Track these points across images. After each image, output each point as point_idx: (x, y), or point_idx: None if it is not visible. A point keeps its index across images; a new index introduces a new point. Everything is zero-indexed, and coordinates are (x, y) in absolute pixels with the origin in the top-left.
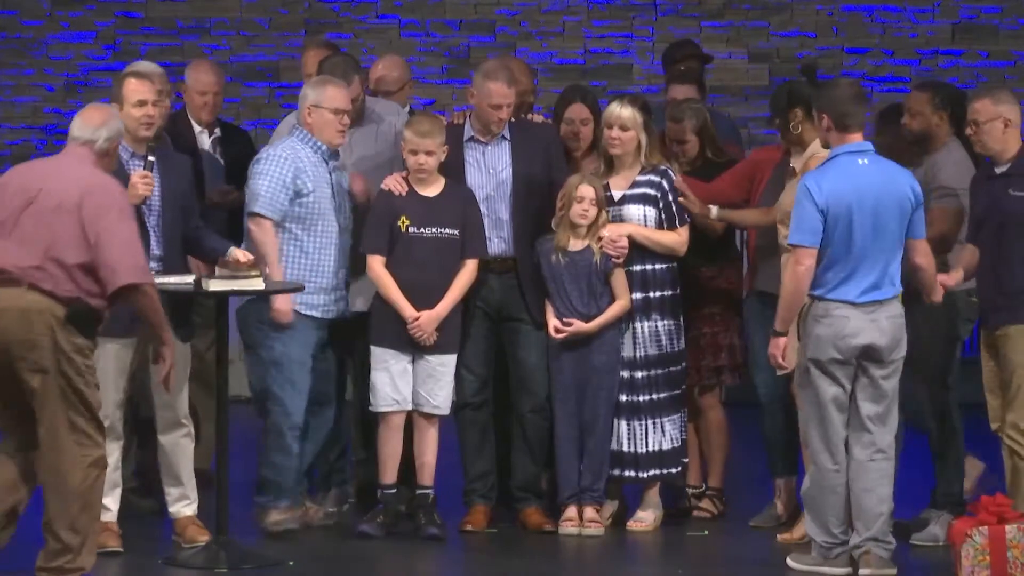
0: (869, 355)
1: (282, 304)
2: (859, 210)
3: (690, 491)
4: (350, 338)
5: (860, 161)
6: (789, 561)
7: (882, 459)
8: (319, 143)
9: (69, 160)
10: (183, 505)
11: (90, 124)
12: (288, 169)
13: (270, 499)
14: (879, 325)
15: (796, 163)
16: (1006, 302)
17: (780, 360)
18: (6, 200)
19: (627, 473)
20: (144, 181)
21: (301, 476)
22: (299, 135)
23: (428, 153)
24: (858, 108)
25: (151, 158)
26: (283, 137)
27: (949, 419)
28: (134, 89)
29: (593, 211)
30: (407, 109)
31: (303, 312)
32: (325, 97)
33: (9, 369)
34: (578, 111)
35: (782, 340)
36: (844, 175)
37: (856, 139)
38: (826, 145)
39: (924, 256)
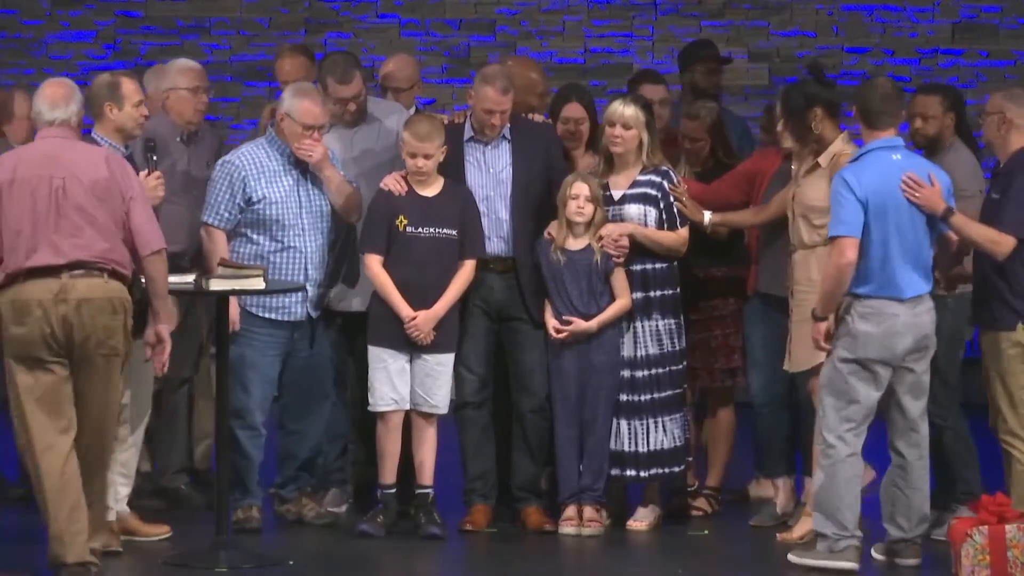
0: (912, 352)
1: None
2: (897, 205)
3: (688, 489)
4: (349, 337)
5: (894, 156)
6: (791, 557)
7: (923, 453)
8: (286, 147)
9: (63, 142)
10: (126, 501)
11: (62, 102)
12: (238, 179)
13: (235, 498)
14: (920, 320)
15: (822, 159)
16: (983, 306)
17: (823, 343)
18: (26, 197)
19: (628, 472)
20: (160, 182)
21: (298, 471)
22: (268, 136)
23: (427, 156)
24: (888, 106)
25: (155, 157)
26: (257, 137)
27: (953, 418)
28: (135, 89)
29: (589, 208)
30: (412, 109)
31: (259, 314)
32: (298, 110)
33: (75, 353)
34: (574, 110)
35: (823, 325)
36: (880, 170)
37: (888, 135)
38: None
39: (954, 247)
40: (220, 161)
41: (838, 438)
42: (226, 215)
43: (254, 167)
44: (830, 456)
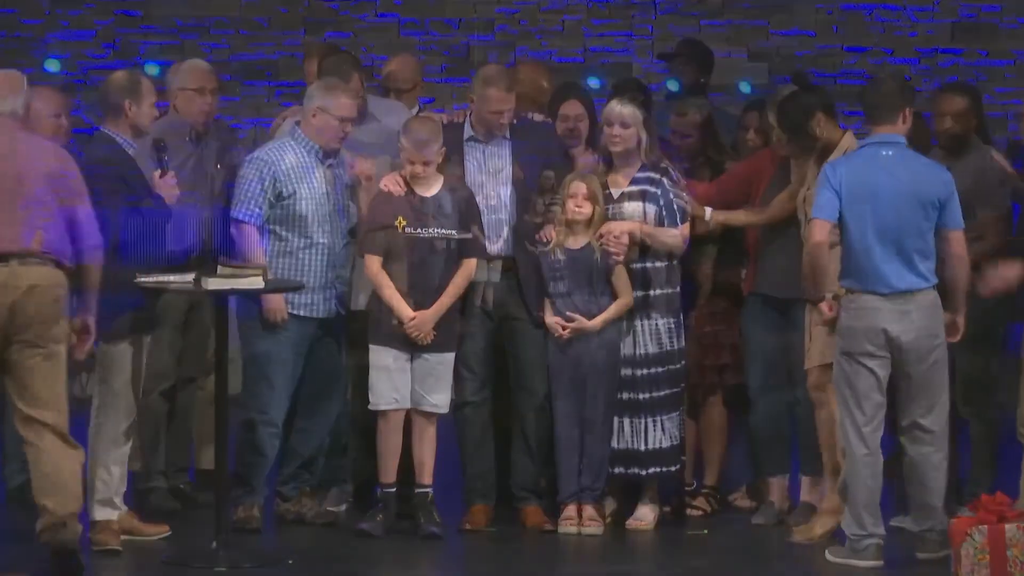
0: (903, 348)
1: (274, 303)
2: (878, 200)
3: (687, 489)
4: (351, 336)
5: (884, 153)
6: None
7: (933, 452)
8: (314, 144)
9: (17, 133)
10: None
11: (10, 94)
12: (268, 173)
13: (238, 495)
14: (910, 317)
15: (833, 159)
16: (1022, 297)
17: (827, 313)
18: None
19: (628, 471)
20: (174, 182)
21: (299, 469)
22: (293, 134)
23: (425, 163)
24: (886, 102)
25: (167, 157)
26: (282, 135)
27: (985, 417)
28: (150, 88)
29: (588, 207)
30: (415, 110)
31: (288, 311)
32: (335, 105)
33: (15, 340)
34: (573, 107)
35: (822, 305)
36: (864, 164)
37: (883, 131)
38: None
39: (958, 246)
40: (249, 157)
41: (856, 436)
42: (256, 210)
43: (283, 163)
44: (850, 456)
